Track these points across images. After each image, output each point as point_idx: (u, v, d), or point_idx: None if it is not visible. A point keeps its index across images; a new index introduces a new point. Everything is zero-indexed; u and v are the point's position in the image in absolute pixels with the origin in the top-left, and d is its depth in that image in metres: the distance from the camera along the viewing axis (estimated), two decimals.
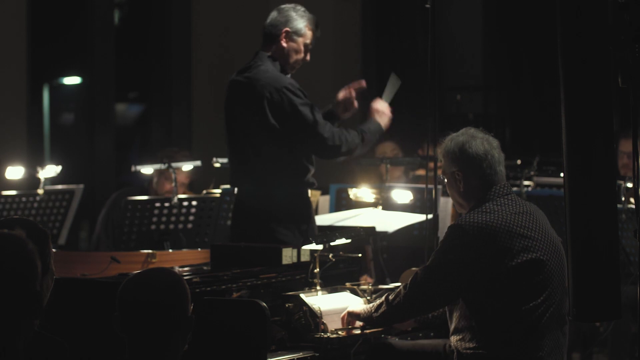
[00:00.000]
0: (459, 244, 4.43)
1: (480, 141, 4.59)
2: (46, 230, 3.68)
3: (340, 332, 4.61)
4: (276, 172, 5.70)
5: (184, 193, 7.37)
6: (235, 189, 5.89)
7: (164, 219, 6.42)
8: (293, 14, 5.80)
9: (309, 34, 5.83)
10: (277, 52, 5.80)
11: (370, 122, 5.98)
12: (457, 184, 4.60)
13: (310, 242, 4.84)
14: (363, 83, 6.12)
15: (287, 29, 5.78)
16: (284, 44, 5.78)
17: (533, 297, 4.39)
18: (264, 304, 4.36)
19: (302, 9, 5.86)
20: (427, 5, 5.42)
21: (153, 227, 6.42)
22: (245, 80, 5.75)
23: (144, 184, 7.71)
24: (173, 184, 6.63)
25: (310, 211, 5.87)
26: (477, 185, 4.57)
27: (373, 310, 4.61)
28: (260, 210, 5.71)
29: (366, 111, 6.15)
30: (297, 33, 5.80)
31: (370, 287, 4.92)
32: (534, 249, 4.42)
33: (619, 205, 6.29)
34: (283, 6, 5.84)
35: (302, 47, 5.82)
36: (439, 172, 5.01)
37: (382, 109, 6.00)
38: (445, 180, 4.67)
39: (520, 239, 4.41)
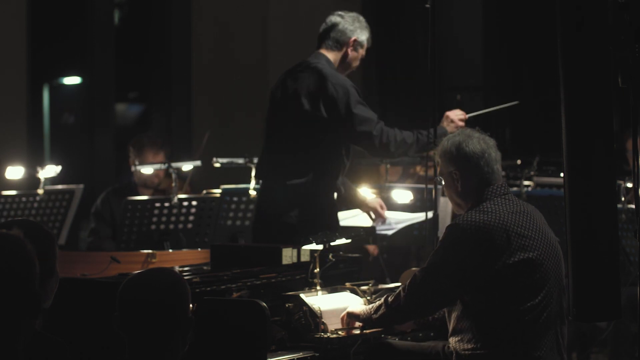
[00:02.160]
0: (457, 243, 4.43)
1: (476, 140, 4.59)
2: (51, 233, 3.66)
3: (340, 332, 4.61)
4: (312, 168, 5.73)
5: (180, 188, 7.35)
6: (260, 182, 5.93)
7: (164, 219, 6.42)
8: (361, 25, 5.94)
9: (366, 45, 5.99)
10: (340, 57, 5.91)
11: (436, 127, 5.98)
12: (455, 184, 4.60)
13: (310, 242, 4.84)
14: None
15: (355, 38, 5.91)
16: (350, 52, 5.91)
17: (530, 296, 4.39)
18: (264, 304, 4.36)
19: (363, 19, 5.99)
20: (427, 5, 5.43)
21: (153, 227, 6.42)
22: (303, 74, 5.82)
23: (130, 179, 7.65)
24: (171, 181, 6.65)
25: (336, 213, 5.91)
26: (475, 184, 4.57)
27: (372, 312, 4.61)
28: (288, 205, 5.73)
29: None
30: (361, 44, 5.94)
31: (370, 287, 4.92)
32: (531, 248, 4.42)
33: (619, 205, 6.29)
34: (349, 14, 5.94)
35: (359, 57, 5.97)
36: (431, 172, 5.01)
37: (453, 116, 5.98)
38: (443, 181, 4.67)
39: (517, 238, 4.41)
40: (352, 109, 5.72)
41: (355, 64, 5.97)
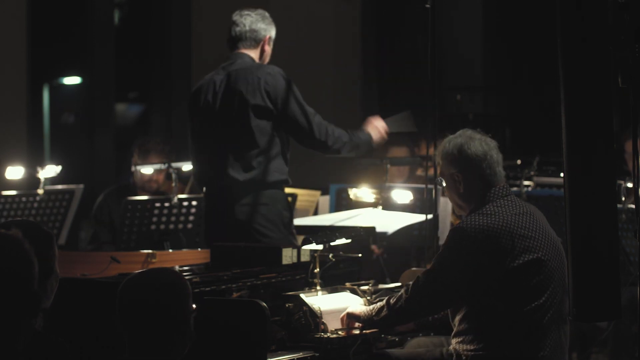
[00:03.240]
0: (461, 246, 4.43)
1: (478, 142, 4.58)
2: (51, 233, 3.66)
3: (340, 332, 4.61)
4: (266, 165, 5.77)
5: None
6: (204, 188, 5.96)
7: (164, 219, 6.42)
8: (270, 21, 6.05)
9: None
10: (258, 55, 6.01)
11: (361, 131, 6.09)
12: (457, 186, 4.60)
13: (310, 242, 4.84)
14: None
15: (270, 35, 6.03)
16: (266, 48, 6.02)
17: (534, 297, 4.39)
18: (264, 304, 4.36)
19: (268, 14, 6.09)
20: (427, 5, 5.43)
21: (153, 227, 6.42)
22: (233, 73, 5.88)
23: (128, 180, 7.65)
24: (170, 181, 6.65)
25: (289, 204, 6.02)
26: (477, 186, 4.57)
27: (374, 314, 4.60)
28: (248, 205, 5.76)
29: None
30: (272, 39, 6.06)
31: (370, 287, 4.92)
32: (535, 249, 4.42)
33: (619, 205, 6.29)
34: (256, 12, 6.02)
35: (270, 51, 6.08)
36: (437, 172, 5.00)
37: (378, 125, 6.10)
38: (444, 182, 4.67)
39: (521, 239, 4.41)
40: (291, 100, 5.80)
41: (269, 58, 6.06)
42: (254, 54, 5.99)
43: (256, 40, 5.99)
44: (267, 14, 6.05)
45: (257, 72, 5.84)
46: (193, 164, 6.11)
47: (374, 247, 7.39)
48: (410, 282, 4.54)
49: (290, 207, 6.00)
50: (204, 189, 6.01)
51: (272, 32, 6.03)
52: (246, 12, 6.01)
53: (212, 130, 5.91)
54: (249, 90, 5.81)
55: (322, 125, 5.85)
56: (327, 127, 5.87)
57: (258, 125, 5.79)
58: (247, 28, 5.98)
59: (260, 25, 6.00)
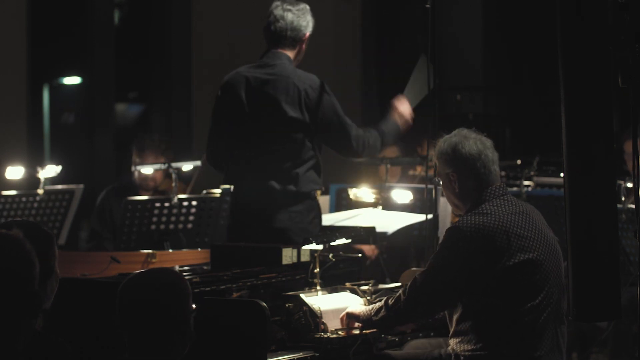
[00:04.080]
0: (457, 246, 4.43)
1: (473, 141, 4.58)
2: (51, 233, 3.67)
3: (340, 332, 4.62)
4: (302, 175, 5.72)
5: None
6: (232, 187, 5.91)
7: (164, 219, 6.42)
8: (310, 17, 5.87)
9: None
10: (295, 54, 5.88)
11: (389, 122, 6.00)
12: (452, 185, 4.60)
13: (310, 242, 4.84)
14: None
15: (308, 33, 5.87)
16: (303, 47, 5.90)
17: (530, 297, 4.39)
18: (264, 304, 4.36)
19: (309, 7, 5.91)
20: (427, 5, 5.43)
21: (153, 227, 6.41)
22: (271, 77, 5.77)
23: (131, 179, 7.64)
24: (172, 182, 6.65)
25: (320, 211, 5.95)
26: (472, 186, 4.56)
27: (373, 314, 4.60)
28: (282, 213, 5.72)
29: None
30: (310, 37, 5.90)
31: (370, 287, 4.92)
32: (530, 249, 4.42)
33: (619, 205, 6.29)
34: (297, 7, 5.86)
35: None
36: (431, 172, 5.01)
37: (402, 110, 6.01)
38: (441, 182, 4.67)
39: (517, 239, 4.41)
40: (333, 111, 5.73)
41: (302, 56, 5.94)
42: (292, 54, 5.84)
43: (296, 40, 5.83)
44: (307, 8, 5.87)
45: (298, 84, 5.71)
46: (219, 160, 5.99)
47: (366, 248, 7.38)
48: (409, 283, 4.54)
49: (321, 214, 5.93)
50: (232, 187, 5.93)
51: (310, 30, 5.86)
52: (288, 7, 5.82)
53: (242, 132, 5.82)
54: (288, 101, 5.71)
55: (359, 138, 5.78)
56: (364, 137, 5.79)
57: (295, 137, 5.71)
58: (289, 26, 5.80)
59: (302, 22, 5.82)
